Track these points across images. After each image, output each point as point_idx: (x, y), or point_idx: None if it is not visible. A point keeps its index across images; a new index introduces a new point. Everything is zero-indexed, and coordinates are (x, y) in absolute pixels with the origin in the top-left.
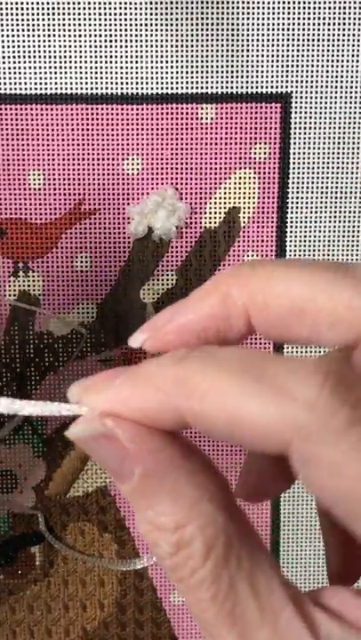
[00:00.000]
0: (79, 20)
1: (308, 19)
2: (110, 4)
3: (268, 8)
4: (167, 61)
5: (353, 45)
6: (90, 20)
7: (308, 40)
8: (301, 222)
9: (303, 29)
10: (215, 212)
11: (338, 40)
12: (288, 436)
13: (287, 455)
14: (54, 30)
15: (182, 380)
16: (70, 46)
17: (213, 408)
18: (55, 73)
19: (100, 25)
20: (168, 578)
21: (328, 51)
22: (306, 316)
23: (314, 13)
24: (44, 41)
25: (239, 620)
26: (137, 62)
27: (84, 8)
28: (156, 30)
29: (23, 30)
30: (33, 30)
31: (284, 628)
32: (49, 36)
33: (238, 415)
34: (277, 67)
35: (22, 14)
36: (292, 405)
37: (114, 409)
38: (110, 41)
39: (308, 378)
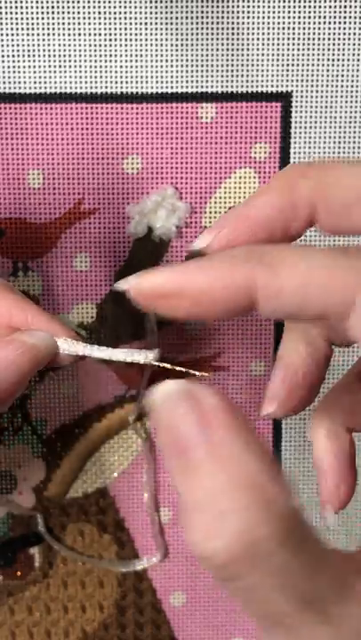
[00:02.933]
0: (79, 18)
1: (309, 18)
2: (110, 2)
3: (268, 8)
4: (167, 61)
5: (353, 45)
6: (89, 18)
7: (309, 39)
8: None
9: (303, 29)
10: (215, 212)
11: (338, 39)
12: (357, 286)
13: (347, 314)
14: (54, 29)
15: (254, 249)
16: (70, 45)
17: (285, 269)
18: (55, 72)
19: (99, 24)
20: (219, 580)
21: (328, 50)
22: None
23: (314, 13)
24: (44, 40)
25: (316, 601)
26: (137, 61)
27: (84, 7)
28: (156, 30)
29: (22, 29)
30: (32, 29)
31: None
32: (48, 34)
33: (309, 275)
34: (278, 66)
35: (22, 13)
36: (358, 259)
37: (181, 283)
38: (110, 40)
39: None
